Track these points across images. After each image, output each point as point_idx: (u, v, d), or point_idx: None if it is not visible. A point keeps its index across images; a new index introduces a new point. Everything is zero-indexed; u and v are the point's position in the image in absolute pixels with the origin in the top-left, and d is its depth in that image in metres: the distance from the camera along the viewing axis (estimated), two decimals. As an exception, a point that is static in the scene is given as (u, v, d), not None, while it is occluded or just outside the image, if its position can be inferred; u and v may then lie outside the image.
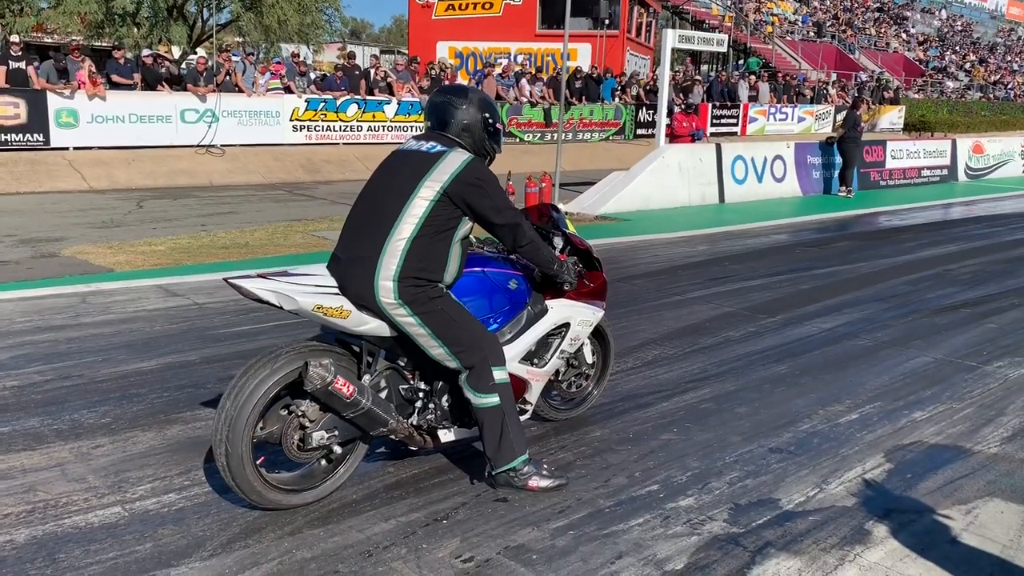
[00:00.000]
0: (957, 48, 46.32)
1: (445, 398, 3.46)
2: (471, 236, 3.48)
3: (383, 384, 3.34)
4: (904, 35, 44.96)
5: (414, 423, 3.40)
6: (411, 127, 17.26)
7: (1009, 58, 49.00)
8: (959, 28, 52.04)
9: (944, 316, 6.62)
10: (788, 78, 28.05)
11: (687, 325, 6.15)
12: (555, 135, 16.50)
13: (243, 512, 3.23)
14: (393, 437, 3.34)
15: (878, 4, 48.14)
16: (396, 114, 17.33)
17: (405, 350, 3.36)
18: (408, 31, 31.60)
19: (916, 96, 34.45)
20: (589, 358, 4.23)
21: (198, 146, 14.62)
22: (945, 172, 18.02)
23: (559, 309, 3.78)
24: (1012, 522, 3.34)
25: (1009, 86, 41.93)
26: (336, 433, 3.20)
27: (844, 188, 14.79)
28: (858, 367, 5.31)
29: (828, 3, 43.73)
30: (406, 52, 30.78)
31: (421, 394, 3.44)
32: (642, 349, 5.51)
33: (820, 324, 6.28)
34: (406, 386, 3.41)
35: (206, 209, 11.11)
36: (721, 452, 3.94)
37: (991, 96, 38.61)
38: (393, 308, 3.15)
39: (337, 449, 3.27)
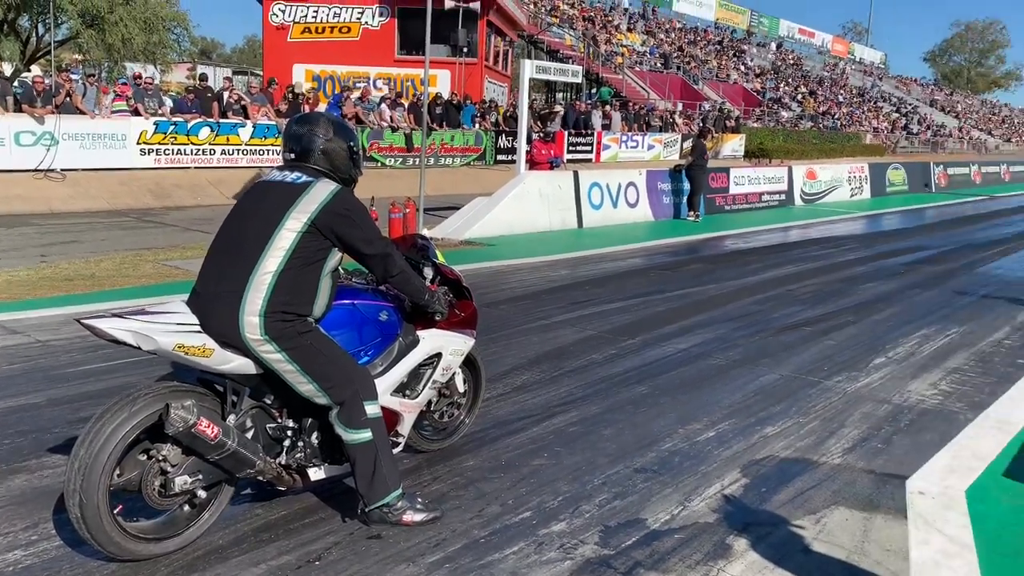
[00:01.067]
0: (790, 80, 49.75)
1: (315, 435, 3.40)
2: (340, 267, 3.44)
3: (249, 424, 3.24)
4: (743, 67, 47.88)
5: (283, 462, 3.32)
6: (267, 151, 16.84)
7: (835, 90, 53.07)
8: (791, 62, 55.93)
9: (788, 335, 7.06)
10: (638, 107, 29.28)
11: (552, 349, 6.28)
12: (417, 160, 16.52)
13: (99, 565, 3.04)
14: (261, 478, 3.24)
15: (719, 37, 51.10)
16: (251, 138, 16.85)
17: (272, 387, 3.27)
18: (263, 52, 30.85)
19: (755, 125, 36.66)
20: (461, 387, 4.25)
21: (36, 170, 13.71)
22: (783, 197, 19.25)
23: (430, 339, 3.79)
24: (856, 528, 3.60)
25: (836, 116, 45.37)
26: (200, 477, 3.08)
27: (692, 213, 15.54)
28: (712, 386, 5.58)
29: (673, 36, 46.03)
30: (260, 74, 30.03)
31: (290, 432, 3.35)
32: (511, 375, 5.59)
33: (676, 344, 6.56)
34: (274, 425, 3.32)
35: (46, 238, 10.42)
36: (590, 475, 4.04)
37: (820, 126, 41.61)
38: (259, 345, 3.07)
39: (201, 493, 3.14)
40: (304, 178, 3.25)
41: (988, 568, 3.26)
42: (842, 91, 54.15)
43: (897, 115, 54.82)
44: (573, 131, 24.24)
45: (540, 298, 8.16)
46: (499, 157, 22.30)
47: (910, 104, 61.31)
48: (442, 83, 25.53)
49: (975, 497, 3.99)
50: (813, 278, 9.91)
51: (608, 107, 26.94)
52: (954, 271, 10.70)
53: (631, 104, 29.68)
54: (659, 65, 39.70)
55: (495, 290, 8.42)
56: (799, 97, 46.31)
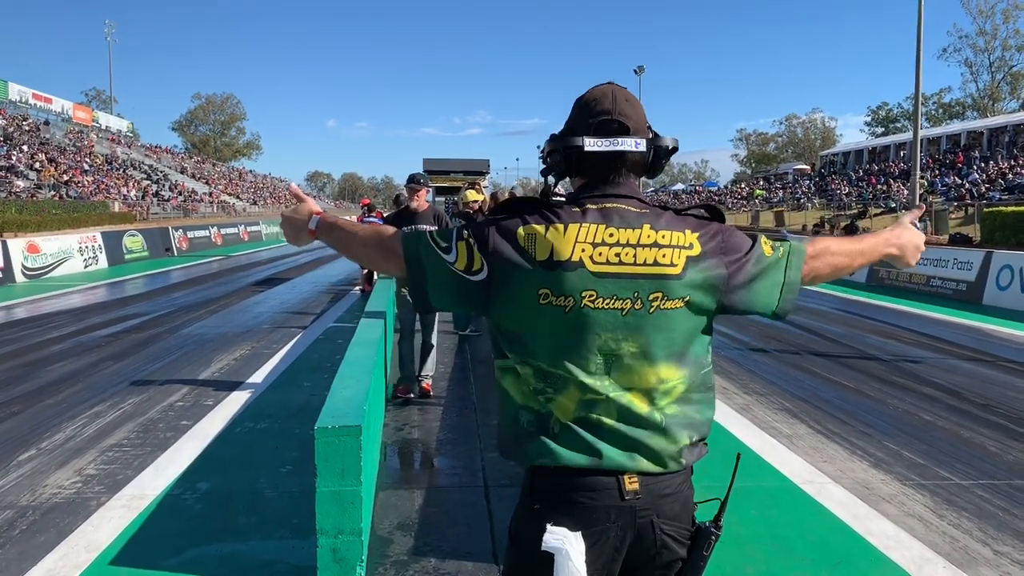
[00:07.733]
0: (25, 148, 46.03)
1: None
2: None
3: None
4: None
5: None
6: None
7: (79, 159, 51.06)
8: (27, 128, 51.97)
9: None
10: None
11: None
12: None
13: None
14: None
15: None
16: None
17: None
18: None
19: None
20: None
21: None
22: (1, 275, 17.27)
23: None
24: None
25: (80, 184, 43.56)
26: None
27: None
28: None
29: None
30: None
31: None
32: None
33: None
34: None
35: None
36: None
37: (64, 195, 39.41)
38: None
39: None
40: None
41: None
42: (88, 159, 52.41)
43: (148, 182, 55.40)
44: None
45: None
46: None
47: (161, 171, 62.74)
48: None
49: (62, 602, 3.60)
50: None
51: None
52: (158, 336, 10.66)
53: None
54: None
55: None
56: (36, 165, 43.14)
